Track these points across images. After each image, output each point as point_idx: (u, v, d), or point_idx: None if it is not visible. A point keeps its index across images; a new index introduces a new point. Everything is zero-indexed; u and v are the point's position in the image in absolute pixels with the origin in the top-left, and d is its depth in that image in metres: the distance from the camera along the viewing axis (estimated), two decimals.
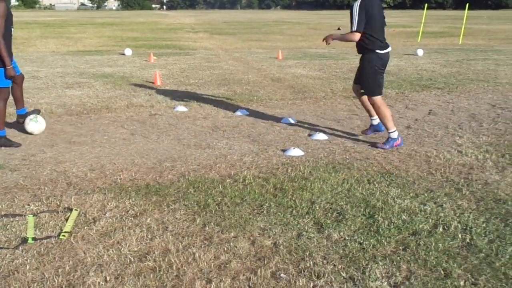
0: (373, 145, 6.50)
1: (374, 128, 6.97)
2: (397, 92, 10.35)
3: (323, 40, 6.72)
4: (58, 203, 4.56)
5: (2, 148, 6.31)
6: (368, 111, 6.84)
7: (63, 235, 3.90)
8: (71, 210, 4.39)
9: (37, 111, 7.60)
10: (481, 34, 28.34)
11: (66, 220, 4.20)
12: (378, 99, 6.37)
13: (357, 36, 6.16)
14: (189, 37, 27.85)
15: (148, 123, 7.72)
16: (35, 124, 6.98)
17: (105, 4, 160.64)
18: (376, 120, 6.86)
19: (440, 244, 3.77)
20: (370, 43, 6.20)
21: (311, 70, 13.81)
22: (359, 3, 6.07)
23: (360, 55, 6.49)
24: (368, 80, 6.43)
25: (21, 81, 7.21)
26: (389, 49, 6.40)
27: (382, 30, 6.30)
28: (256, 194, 4.79)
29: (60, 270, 3.43)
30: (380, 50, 6.27)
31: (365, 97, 6.62)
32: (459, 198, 4.69)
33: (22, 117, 7.28)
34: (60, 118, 7.98)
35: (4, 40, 6.02)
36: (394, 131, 6.38)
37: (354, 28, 6.12)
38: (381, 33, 6.26)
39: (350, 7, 6.29)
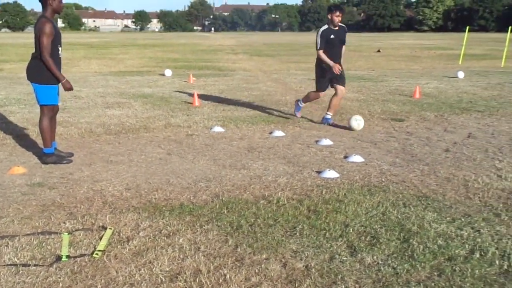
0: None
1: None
2: (436, 114, 10.20)
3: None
4: (93, 222, 4.62)
5: (43, 166, 6.46)
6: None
7: (97, 254, 3.94)
8: (105, 228, 4.44)
9: (70, 154, 6.96)
10: None
11: (100, 238, 4.24)
12: None
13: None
14: (229, 58, 28.14)
15: (185, 143, 7.79)
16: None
17: (148, 26, 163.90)
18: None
19: (477, 271, 3.67)
20: None
21: (350, 91, 13.72)
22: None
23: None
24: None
25: (55, 114, 6.73)
26: None
27: None
28: (290, 216, 4.76)
29: None
30: None
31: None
32: (497, 224, 4.57)
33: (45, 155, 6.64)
34: (99, 137, 8.12)
35: (52, 58, 6.23)
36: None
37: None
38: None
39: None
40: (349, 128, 8.72)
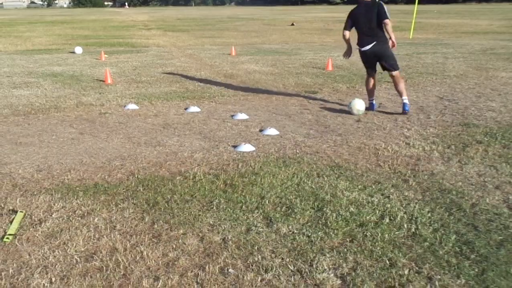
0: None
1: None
2: (348, 86, 10.48)
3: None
4: (3, 205, 4.46)
5: None
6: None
7: (7, 238, 3.81)
8: (16, 212, 4.29)
9: None
10: (431, 28, 28.93)
11: (11, 222, 4.10)
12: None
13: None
14: (142, 34, 27.57)
15: (98, 122, 7.61)
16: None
17: (56, 2, 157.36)
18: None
19: (386, 235, 3.84)
20: None
21: (264, 65, 13.84)
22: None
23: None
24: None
25: None
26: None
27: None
28: (206, 190, 4.78)
29: (3, 274, 3.35)
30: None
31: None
32: (405, 189, 4.78)
33: None
34: (6, 119, 7.79)
35: None
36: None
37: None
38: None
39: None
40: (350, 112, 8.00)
